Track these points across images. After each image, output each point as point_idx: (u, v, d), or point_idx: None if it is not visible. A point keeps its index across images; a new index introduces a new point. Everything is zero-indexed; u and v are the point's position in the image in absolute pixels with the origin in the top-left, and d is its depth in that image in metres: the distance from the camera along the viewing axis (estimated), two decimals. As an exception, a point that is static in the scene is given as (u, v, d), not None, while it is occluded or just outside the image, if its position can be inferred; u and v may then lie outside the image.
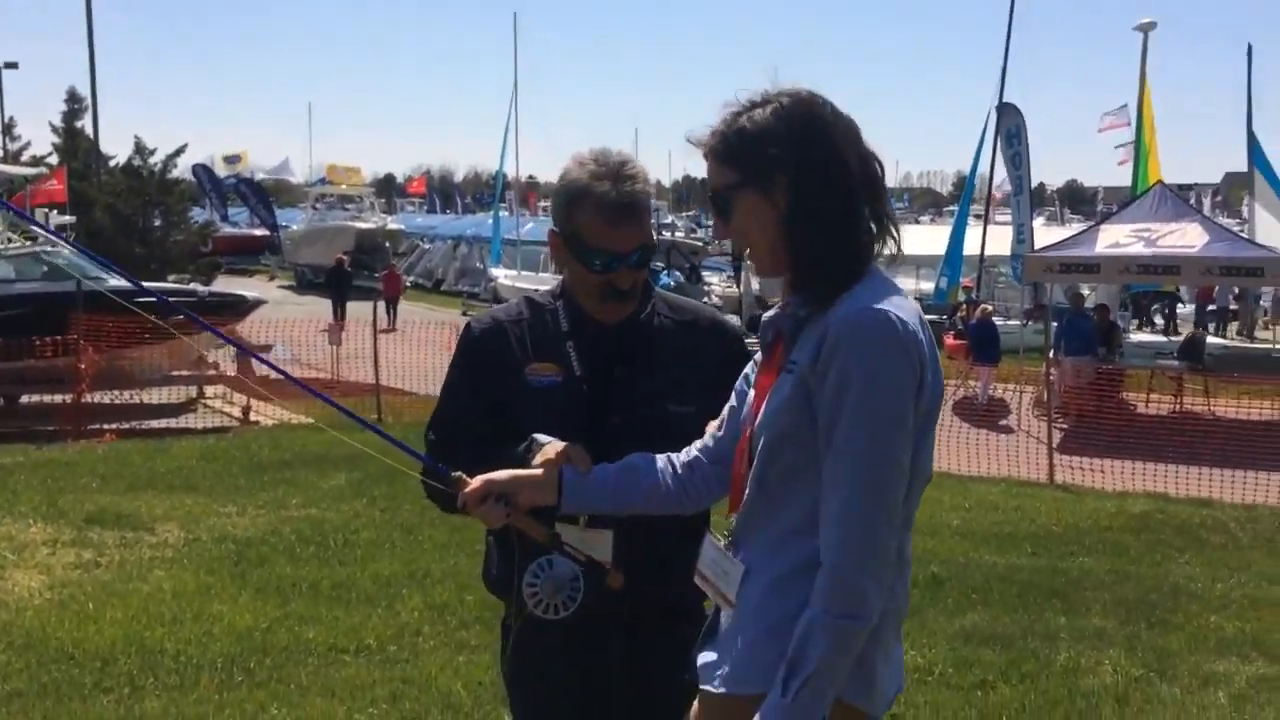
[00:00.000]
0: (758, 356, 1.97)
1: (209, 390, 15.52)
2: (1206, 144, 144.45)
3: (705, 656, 1.87)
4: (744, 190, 1.80)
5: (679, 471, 2.03)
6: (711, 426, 2.06)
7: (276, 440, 11.83)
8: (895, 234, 1.81)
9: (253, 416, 13.98)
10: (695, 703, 1.87)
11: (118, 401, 14.32)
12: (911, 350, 1.69)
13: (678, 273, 27.89)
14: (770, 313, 1.90)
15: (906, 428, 1.69)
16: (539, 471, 2.03)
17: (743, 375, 2.01)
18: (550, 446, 2.08)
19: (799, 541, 1.74)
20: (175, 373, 15.30)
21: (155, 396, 14.79)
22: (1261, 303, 26.08)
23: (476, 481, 2.03)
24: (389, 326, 21.66)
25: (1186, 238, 14.32)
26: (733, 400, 2.01)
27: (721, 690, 1.79)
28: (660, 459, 2.05)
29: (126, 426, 12.88)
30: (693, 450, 2.05)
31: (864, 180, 1.79)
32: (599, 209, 2.19)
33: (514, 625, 2.25)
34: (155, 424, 13.15)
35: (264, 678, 4.74)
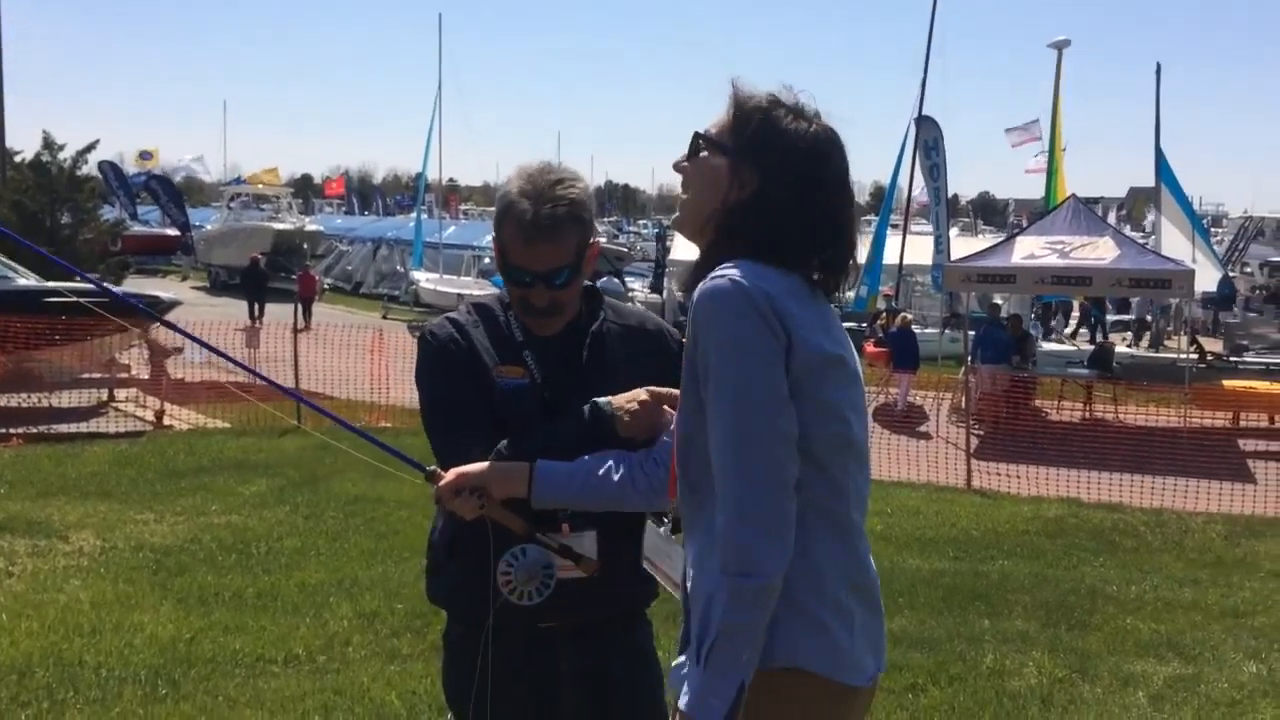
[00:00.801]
0: None
1: (120, 393, 15.07)
2: (1113, 159, 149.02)
3: (679, 662, 1.87)
4: (721, 155, 1.85)
5: (647, 465, 2.08)
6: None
7: (192, 445, 11.56)
8: (837, 279, 1.88)
9: (166, 420, 13.61)
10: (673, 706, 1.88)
11: (24, 405, 13.84)
12: (764, 311, 1.70)
13: (615, 279, 27.92)
14: None
15: (771, 388, 1.70)
16: (511, 464, 2.08)
17: None
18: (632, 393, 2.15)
19: None
20: (85, 375, 14.82)
21: (64, 400, 14.32)
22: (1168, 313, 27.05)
23: (450, 475, 2.08)
24: (304, 326, 21.48)
25: (1098, 251, 14.78)
26: None
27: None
28: (629, 454, 2.10)
29: (34, 431, 12.44)
30: (657, 445, 2.10)
31: (825, 235, 1.85)
32: (518, 226, 2.21)
33: (487, 626, 2.23)
34: (64, 428, 12.70)
35: (190, 690, 4.62)
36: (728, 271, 1.73)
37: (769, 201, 1.81)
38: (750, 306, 1.69)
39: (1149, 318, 27.00)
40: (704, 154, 1.88)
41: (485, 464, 2.08)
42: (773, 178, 1.81)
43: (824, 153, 1.85)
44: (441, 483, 2.08)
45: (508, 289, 2.31)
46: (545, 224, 2.18)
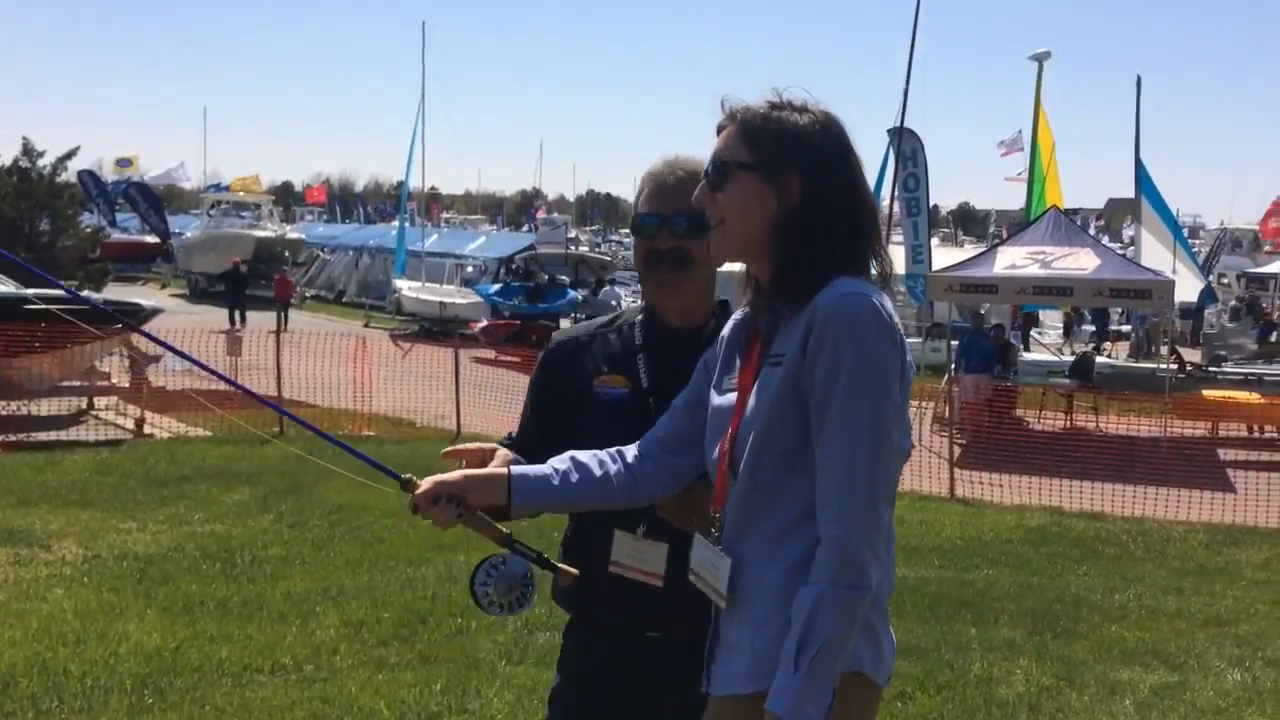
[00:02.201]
0: (708, 356, 2.03)
1: (100, 401, 14.97)
2: (1091, 170, 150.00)
3: (723, 663, 1.88)
4: (750, 172, 1.87)
5: (630, 462, 2.06)
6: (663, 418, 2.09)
7: (173, 453, 11.49)
8: (885, 261, 1.91)
9: (147, 428, 13.52)
10: (715, 709, 1.88)
11: (3, 412, 13.73)
12: (894, 332, 1.77)
13: (580, 290, 28.03)
14: (738, 314, 1.95)
15: (896, 404, 1.77)
16: (488, 472, 2.05)
17: (697, 370, 2.06)
18: (467, 448, 2.13)
19: (804, 530, 1.77)
20: (65, 383, 14.71)
21: (43, 408, 14.23)
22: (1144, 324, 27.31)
23: (427, 483, 2.03)
24: (282, 328, 21.39)
25: (1079, 261, 14.88)
26: (686, 392, 2.06)
27: (752, 688, 1.78)
28: (604, 452, 2.07)
29: (13, 439, 12.35)
30: (648, 441, 2.08)
31: (867, 212, 1.89)
32: (651, 181, 2.32)
33: (567, 635, 2.28)
34: (44, 436, 12.61)
35: (177, 699, 4.59)
36: (856, 289, 1.78)
37: (822, 195, 1.85)
38: (884, 325, 1.75)
39: (1126, 327, 27.24)
40: (730, 179, 1.88)
41: (463, 471, 2.05)
42: (813, 172, 1.85)
43: (839, 133, 1.90)
44: (418, 491, 2.03)
45: (639, 259, 2.34)
46: (677, 176, 2.28)
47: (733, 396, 1.91)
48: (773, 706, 1.68)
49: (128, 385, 14.93)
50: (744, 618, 1.84)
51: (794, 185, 1.85)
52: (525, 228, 57.21)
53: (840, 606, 1.69)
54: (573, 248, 34.03)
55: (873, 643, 1.80)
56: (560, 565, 2.12)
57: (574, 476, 2.04)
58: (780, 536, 1.81)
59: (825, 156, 1.86)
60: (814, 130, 1.87)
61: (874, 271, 1.88)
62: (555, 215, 60.97)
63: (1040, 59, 20.61)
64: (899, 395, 1.78)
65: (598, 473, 2.04)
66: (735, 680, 1.83)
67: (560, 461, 2.06)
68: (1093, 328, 28.25)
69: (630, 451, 2.07)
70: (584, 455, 2.06)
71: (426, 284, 30.43)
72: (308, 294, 35.60)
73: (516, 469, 2.04)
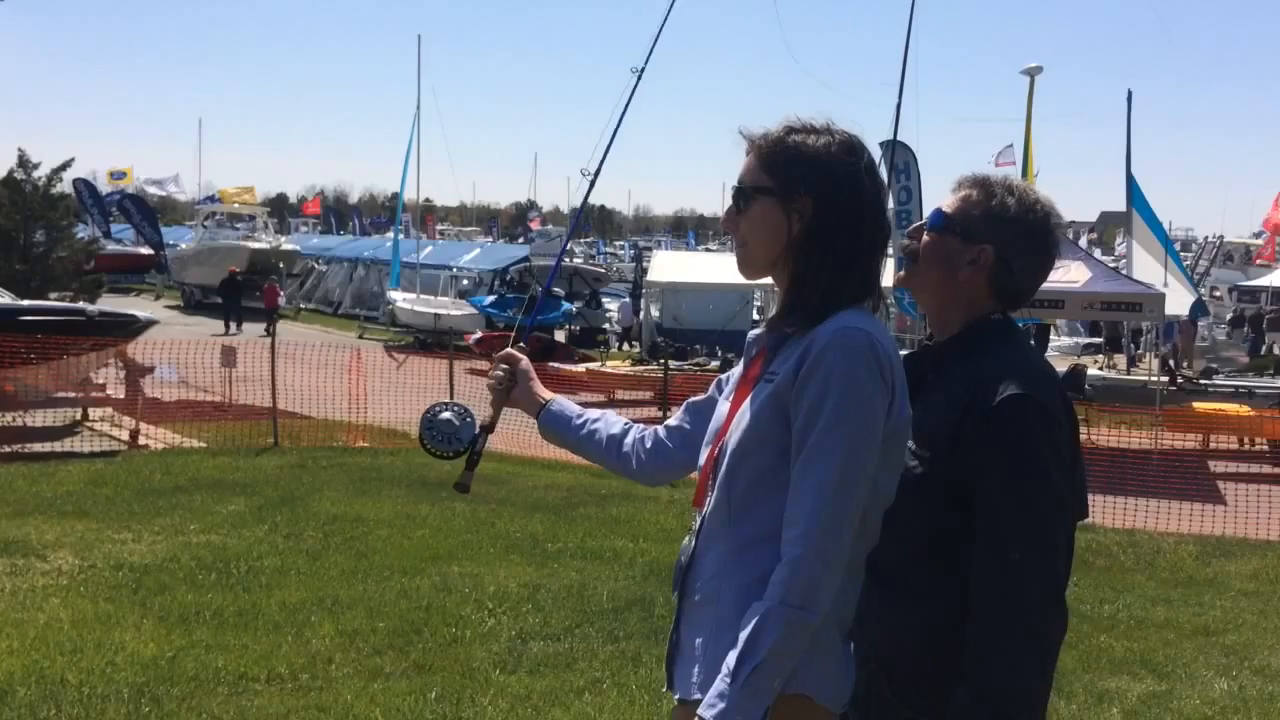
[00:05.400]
0: (735, 371, 2.08)
1: (94, 412, 14.98)
2: (1084, 184, 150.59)
3: (679, 667, 1.93)
4: (768, 196, 1.92)
5: (648, 443, 2.19)
6: (678, 413, 2.22)
7: (168, 464, 11.51)
8: (879, 292, 1.94)
9: (141, 439, 13.54)
10: (676, 714, 1.93)
11: (-2, 424, 13.74)
12: (885, 370, 1.81)
13: (575, 302, 28.10)
14: (756, 330, 2.02)
15: (877, 441, 1.80)
16: (540, 388, 2.29)
17: (717, 380, 2.15)
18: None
19: (770, 547, 1.80)
20: (59, 394, 14.72)
21: (38, 419, 14.25)
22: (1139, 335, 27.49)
23: (516, 350, 2.32)
24: (269, 333, 21.37)
25: (1070, 274, 14.96)
26: (710, 391, 2.15)
27: (698, 695, 1.81)
28: (636, 425, 2.24)
29: (8, 450, 12.36)
30: (660, 430, 2.21)
31: (876, 235, 1.93)
32: None
33: None
34: (38, 447, 12.62)
35: (174, 708, 4.63)
36: (856, 323, 1.82)
37: (831, 216, 1.89)
38: (876, 365, 1.79)
39: (1119, 339, 27.39)
40: (752, 204, 1.94)
41: (530, 367, 2.29)
42: (824, 192, 1.89)
43: (855, 155, 1.92)
44: (507, 349, 2.32)
45: None
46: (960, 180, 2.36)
47: (728, 407, 1.97)
48: (704, 712, 1.72)
49: (122, 397, 14.96)
50: (702, 624, 1.88)
51: (806, 207, 1.89)
52: (520, 240, 57.26)
53: (786, 626, 1.72)
54: (566, 260, 34.10)
55: (822, 667, 1.81)
56: (472, 472, 2.31)
57: (598, 430, 2.21)
58: (746, 549, 1.84)
59: (837, 179, 1.89)
60: (828, 152, 1.90)
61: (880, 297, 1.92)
62: (550, 227, 60.96)
63: (1032, 73, 20.73)
64: (880, 432, 1.79)
65: (618, 434, 2.21)
66: (689, 685, 1.87)
67: (595, 413, 2.25)
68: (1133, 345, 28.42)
69: (655, 434, 2.21)
70: (614, 417, 2.24)
71: (421, 296, 30.47)
72: (302, 305, 35.65)
73: (560, 397, 2.26)
